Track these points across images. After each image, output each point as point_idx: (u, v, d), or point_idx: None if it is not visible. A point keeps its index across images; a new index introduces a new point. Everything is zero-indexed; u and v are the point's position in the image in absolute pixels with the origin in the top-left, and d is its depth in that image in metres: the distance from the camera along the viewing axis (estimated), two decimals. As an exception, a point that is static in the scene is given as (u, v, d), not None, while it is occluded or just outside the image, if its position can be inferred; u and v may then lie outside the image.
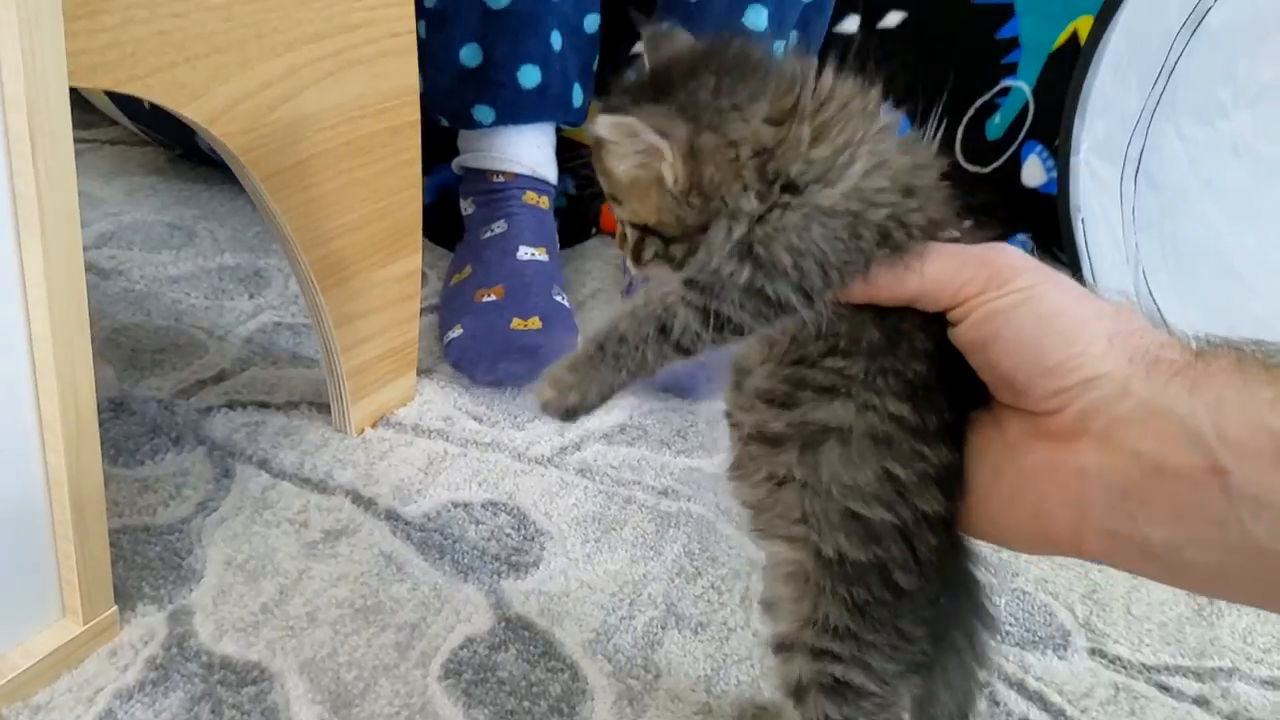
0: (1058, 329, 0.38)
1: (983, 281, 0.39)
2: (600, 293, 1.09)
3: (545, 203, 1.03)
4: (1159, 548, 0.38)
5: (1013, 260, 0.40)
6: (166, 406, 0.80)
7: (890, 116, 0.42)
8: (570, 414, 0.42)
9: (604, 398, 0.42)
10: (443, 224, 1.08)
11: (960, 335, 0.40)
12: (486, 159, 1.01)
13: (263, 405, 0.82)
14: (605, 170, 0.42)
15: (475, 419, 0.84)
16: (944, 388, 0.41)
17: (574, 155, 1.08)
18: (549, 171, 1.03)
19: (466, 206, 1.05)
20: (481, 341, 0.89)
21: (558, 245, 1.02)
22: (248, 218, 1.13)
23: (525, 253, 0.97)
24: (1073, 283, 0.40)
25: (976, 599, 0.47)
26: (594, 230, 1.21)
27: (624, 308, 0.42)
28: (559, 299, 0.95)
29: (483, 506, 0.73)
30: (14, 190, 0.46)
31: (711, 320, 0.40)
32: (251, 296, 0.98)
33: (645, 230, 0.43)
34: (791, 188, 0.40)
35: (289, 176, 0.64)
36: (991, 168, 1.23)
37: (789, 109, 0.40)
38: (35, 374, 0.50)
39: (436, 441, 0.80)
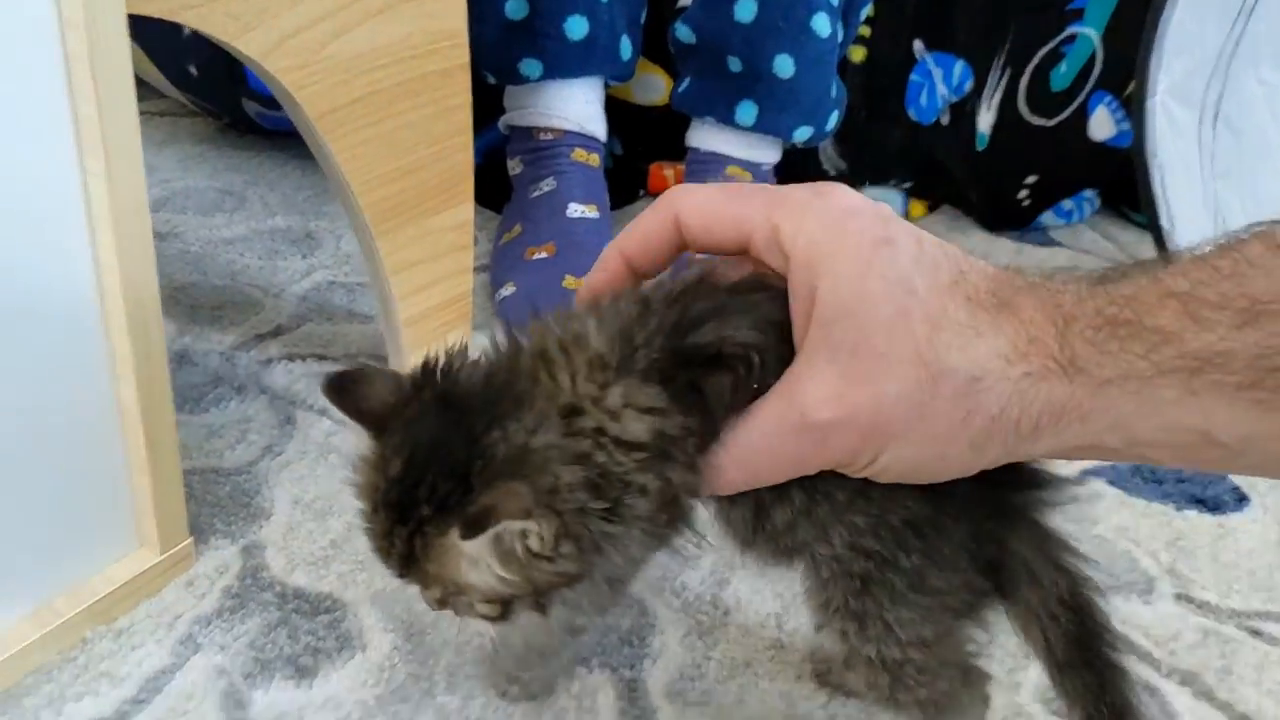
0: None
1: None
2: (658, 253, 1.07)
3: (595, 160, 1.01)
4: None
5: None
6: (228, 359, 0.80)
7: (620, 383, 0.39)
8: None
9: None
10: (490, 186, 1.07)
11: None
12: (534, 115, 1.00)
13: (321, 358, 0.82)
14: (453, 581, 0.39)
15: (531, 371, 0.83)
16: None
17: (622, 114, 1.08)
18: (598, 128, 1.02)
19: (514, 166, 1.04)
20: (535, 300, 0.88)
21: (608, 204, 1.01)
22: (296, 183, 1.14)
23: (575, 210, 0.96)
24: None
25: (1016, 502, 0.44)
26: (641, 192, 1.19)
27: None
28: (612, 254, 0.94)
29: (543, 452, 0.73)
30: (76, 113, 0.46)
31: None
32: (304, 257, 0.98)
33: (511, 600, 0.40)
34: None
35: (342, 116, 0.64)
36: (1056, 120, 1.19)
37: (574, 409, 0.38)
38: (103, 301, 0.50)
39: (494, 392, 0.80)
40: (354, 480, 0.41)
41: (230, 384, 0.77)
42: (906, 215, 1.19)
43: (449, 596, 0.41)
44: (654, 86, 1.13)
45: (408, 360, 0.78)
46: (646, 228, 0.42)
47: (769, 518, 0.42)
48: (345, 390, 0.40)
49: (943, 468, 0.38)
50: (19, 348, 0.48)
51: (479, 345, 0.42)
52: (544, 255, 0.92)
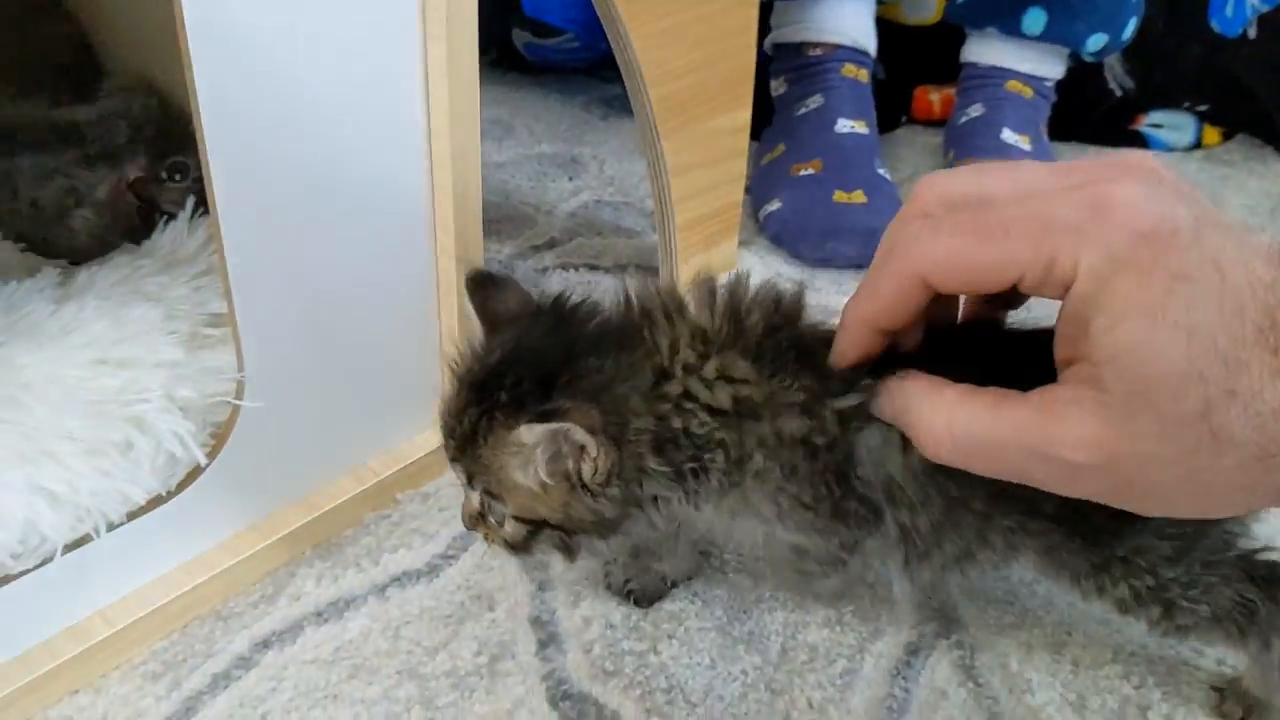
0: None
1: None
2: (916, 176, 1.02)
3: (865, 76, 0.97)
4: None
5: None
6: (507, 266, 0.84)
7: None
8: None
9: None
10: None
11: None
12: (805, 31, 0.97)
13: (593, 267, 0.84)
14: (498, 476, 0.42)
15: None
16: None
17: (888, 35, 1.03)
18: (869, 43, 0.98)
19: (777, 86, 1.02)
20: (804, 215, 0.86)
21: (876, 120, 0.97)
22: (557, 115, 1.17)
23: (844, 125, 0.93)
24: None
25: None
26: (904, 118, 1.14)
27: None
28: (882, 172, 0.90)
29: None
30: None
31: None
32: (570, 179, 1.01)
33: (541, 525, 0.43)
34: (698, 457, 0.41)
35: (646, 1, 0.64)
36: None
37: (665, 372, 0.41)
38: (432, 170, 0.52)
39: (764, 301, 0.78)
40: (454, 362, 0.44)
41: (513, 286, 0.80)
42: (1199, 143, 1.08)
43: (487, 501, 0.43)
44: (924, 4, 1.08)
45: (680, 266, 0.78)
46: (890, 299, 0.38)
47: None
48: (483, 287, 0.44)
49: (1199, 514, 0.37)
50: (364, 215, 0.51)
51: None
52: (810, 171, 0.89)
